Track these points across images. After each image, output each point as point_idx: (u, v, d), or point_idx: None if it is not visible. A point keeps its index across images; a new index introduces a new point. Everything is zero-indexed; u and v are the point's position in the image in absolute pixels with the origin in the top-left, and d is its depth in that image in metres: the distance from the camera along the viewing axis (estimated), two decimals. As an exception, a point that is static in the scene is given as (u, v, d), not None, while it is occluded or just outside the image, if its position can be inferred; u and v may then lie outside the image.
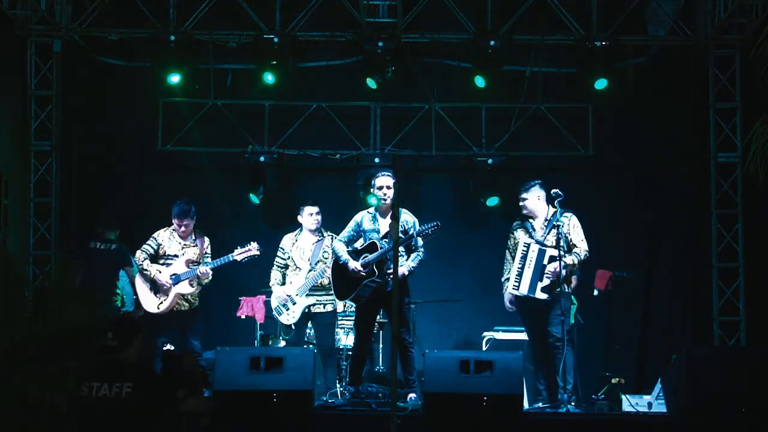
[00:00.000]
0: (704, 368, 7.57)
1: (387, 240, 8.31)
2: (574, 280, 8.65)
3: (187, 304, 9.16)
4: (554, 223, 8.44)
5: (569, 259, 8.42)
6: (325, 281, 9.01)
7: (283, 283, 9.17)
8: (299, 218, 9.26)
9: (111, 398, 5.43)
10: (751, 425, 7.32)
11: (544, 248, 8.43)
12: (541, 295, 8.40)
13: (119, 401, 5.43)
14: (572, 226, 8.56)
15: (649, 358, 10.61)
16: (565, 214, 8.56)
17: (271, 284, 9.22)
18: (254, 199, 10.73)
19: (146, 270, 9.09)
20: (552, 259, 8.36)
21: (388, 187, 8.38)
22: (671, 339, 10.63)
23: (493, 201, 10.70)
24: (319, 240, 9.15)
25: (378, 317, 8.94)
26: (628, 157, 10.92)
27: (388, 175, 8.50)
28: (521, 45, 10.48)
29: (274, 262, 9.23)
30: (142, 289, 9.17)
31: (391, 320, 8.05)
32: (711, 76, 10.46)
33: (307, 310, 9.05)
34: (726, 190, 10.41)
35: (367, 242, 8.45)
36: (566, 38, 10.44)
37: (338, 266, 8.55)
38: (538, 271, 8.41)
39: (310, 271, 9.04)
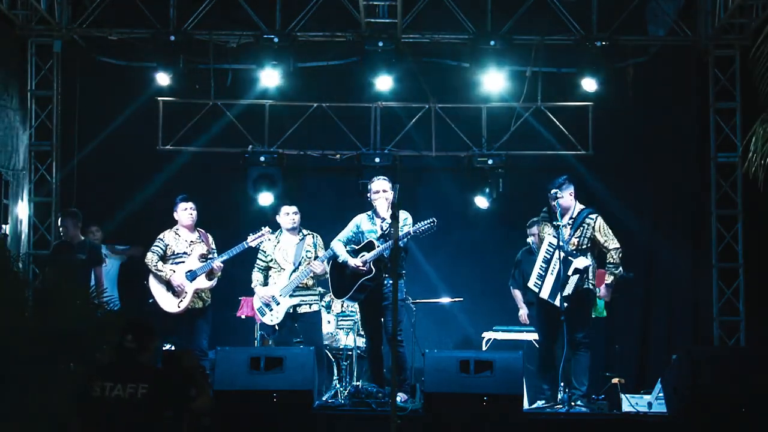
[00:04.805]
0: (704, 368, 7.57)
1: (382, 239, 8.32)
2: (610, 278, 8.45)
3: (201, 302, 9.11)
4: (579, 222, 8.32)
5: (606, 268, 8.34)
6: (310, 281, 8.97)
7: (266, 284, 9.12)
8: (277, 218, 9.21)
9: (125, 398, 5.52)
10: (751, 425, 7.32)
11: (570, 259, 8.24)
12: (561, 303, 8.20)
13: (134, 402, 5.52)
14: (600, 228, 8.35)
15: (649, 358, 10.61)
16: (590, 215, 8.41)
17: (253, 285, 9.15)
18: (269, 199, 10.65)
19: (161, 271, 9.01)
20: (576, 271, 8.20)
21: (384, 191, 8.42)
22: (671, 339, 10.63)
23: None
24: (300, 240, 9.10)
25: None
26: (628, 156, 10.92)
27: (383, 179, 8.55)
28: (521, 45, 10.48)
29: (255, 264, 9.15)
30: (159, 289, 9.10)
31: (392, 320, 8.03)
32: (711, 76, 10.46)
33: (291, 311, 8.97)
34: (726, 190, 10.41)
35: (365, 242, 8.47)
36: (566, 38, 10.43)
37: (337, 265, 8.58)
38: (560, 280, 8.20)
39: (293, 271, 8.99)
